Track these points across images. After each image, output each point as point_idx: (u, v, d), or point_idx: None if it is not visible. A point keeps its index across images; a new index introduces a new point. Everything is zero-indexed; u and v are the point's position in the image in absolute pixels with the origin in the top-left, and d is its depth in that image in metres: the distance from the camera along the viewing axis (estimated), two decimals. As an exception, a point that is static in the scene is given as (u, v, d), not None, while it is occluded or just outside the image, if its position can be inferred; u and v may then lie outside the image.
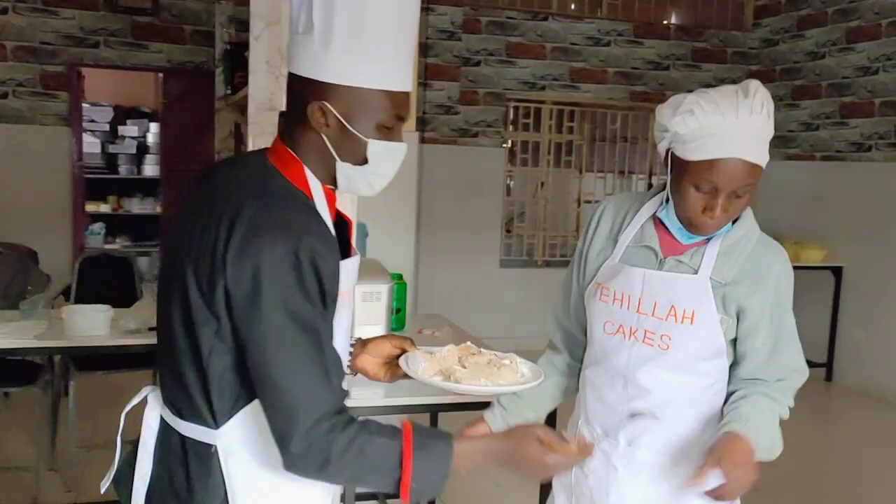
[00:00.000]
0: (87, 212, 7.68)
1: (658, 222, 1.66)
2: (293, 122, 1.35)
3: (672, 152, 1.56)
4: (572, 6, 7.27)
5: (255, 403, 1.31)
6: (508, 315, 6.91)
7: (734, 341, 1.64)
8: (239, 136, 4.77)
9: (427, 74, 6.60)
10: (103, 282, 4.48)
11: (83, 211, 7.08)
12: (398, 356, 1.59)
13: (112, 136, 8.49)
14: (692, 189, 1.52)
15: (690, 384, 1.64)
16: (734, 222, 1.63)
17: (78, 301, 4.18)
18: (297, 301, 1.23)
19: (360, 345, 1.62)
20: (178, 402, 1.38)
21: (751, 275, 1.59)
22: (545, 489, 2.82)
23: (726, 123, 1.47)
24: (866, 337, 6.35)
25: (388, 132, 1.34)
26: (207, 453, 1.35)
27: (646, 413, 1.67)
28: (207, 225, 1.28)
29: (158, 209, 7.86)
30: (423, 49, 6.39)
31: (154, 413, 1.44)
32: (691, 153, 1.51)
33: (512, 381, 1.57)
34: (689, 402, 1.66)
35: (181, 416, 1.37)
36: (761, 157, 1.52)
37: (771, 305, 1.61)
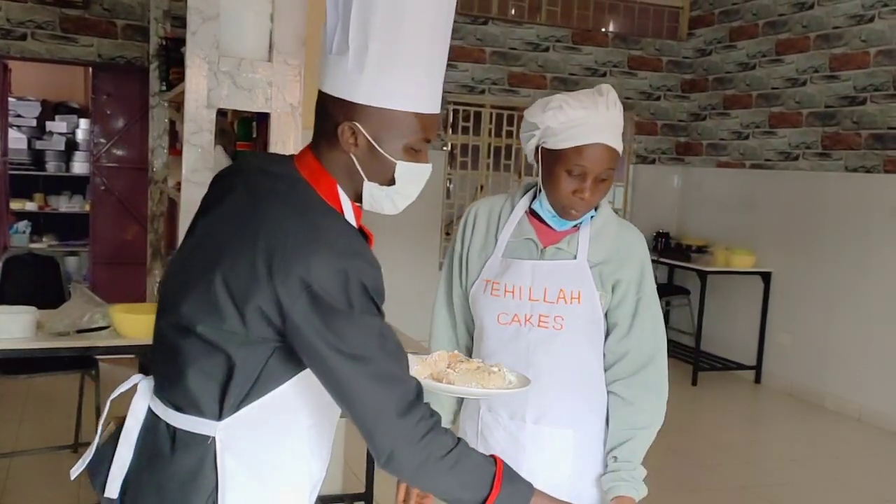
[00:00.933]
0: (12, 210, 7.41)
1: (532, 216, 1.85)
2: (323, 139, 1.37)
3: (542, 147, 1.78)
4: (512, 11, 7.32)
5: (262, 402, 1.33)
6: (446, 318, 6.92)
7: (606, 315, 1.84)
8: (174, 133, 4.66)
9: (367, 75, 6.55)
10: (29, 282, 4.33)
11: (8, 209, 6.84)
12: None
13: (39, 131, 8.20)
14: (564, 174, 1.73)
15: (583, 358, 1.83)
16: (596, 210, 1.84)
17: (2, 302, 4.02)
18: (349, 309, 1.26)
19: None
20: (176, 395, 1.37)
21: (618, 252, 1.82)
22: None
23: (589, 115, 1.71)
24: (793, 340, 6.54)
25: (415, 154, 1.37)
26: (202, 445, 1.34)
27: (548, 391, 1.81)
28: (237, 233, 1.30)
29: (87, 208, 7.61)
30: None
31: (142, 403, 1.43)
32: (562, 142, 1.73)
33: (501, 387, 1.67)
34: (584, 375, 1.84)
35: (179, 410, 1.36)
36: (618, 144, 1.76)
37: (637, 277, 1.82)
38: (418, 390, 1.34)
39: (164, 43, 4.60)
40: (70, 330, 3.21)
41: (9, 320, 3.10)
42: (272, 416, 1.36)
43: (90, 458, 1.49)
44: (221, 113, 2.99)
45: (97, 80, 6.64)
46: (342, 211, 1.37)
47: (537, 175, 1.82)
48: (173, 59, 3.91)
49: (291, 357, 1.32)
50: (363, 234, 1.45)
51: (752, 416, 6.32)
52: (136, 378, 1.48)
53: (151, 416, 1.41)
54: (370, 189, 1.38)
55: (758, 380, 6.73)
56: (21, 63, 6.50)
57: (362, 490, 3.74)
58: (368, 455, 3.73)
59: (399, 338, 1.36)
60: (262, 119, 2.91)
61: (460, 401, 2.00)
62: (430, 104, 1.37)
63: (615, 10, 7.67)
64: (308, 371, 1.33)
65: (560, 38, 7.36)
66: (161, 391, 1.40)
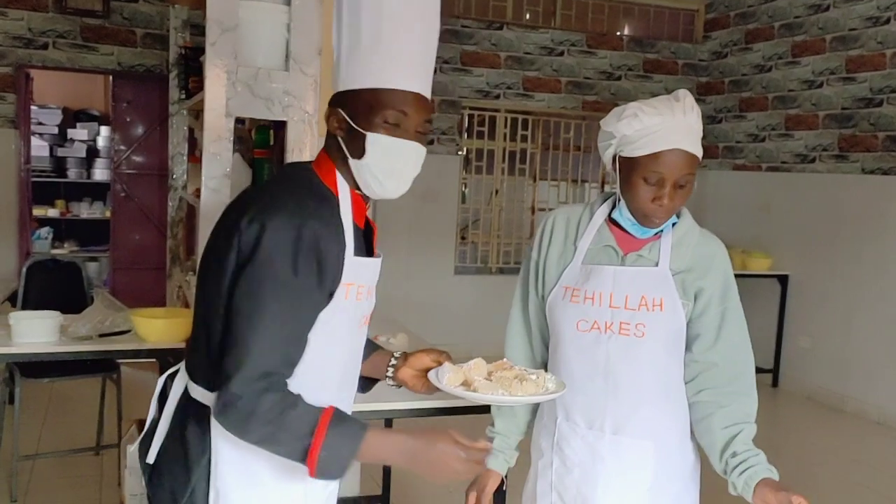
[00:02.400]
0: (35, 216, 7.51)
1: (612, 225, 1.82)
2: (327, 133, 1.53)
3: (619, 156, 1.75)
4: (527, 16, 7.35)
5: None
6: (463, 321, 6.95)
7: (688, 325, 1.79)
8: (193, 140, 4.72)
9: (383, 81, 6.60)
10: (51, 287, 4.40)
11: (30, 215, 6.92)
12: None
13: (61, 139, 8.31)
14: (642, 182, 1.70)
15: (664, 367, 1.79)
16: (678, 218, 1.80)
17: (25, 307, 4.10)
18: (284, 269, 1.37)
19: (403, 358, 1.77)
20: (192, 366, 1.55)
21: (700, 260, 1.78)
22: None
23: (665, 121, 1.69)
24: (811, 343, 6.52)
25: (393, 129, 1.46)
26: (205, 414, 1.48)
27: (628, 400, 1.77)
28: (241, 206, 1.47)
29: (108, 214, 7.70)
30: (379, 56, 6.39)
31: (181, 380, 1.59)
32: (638, 150, 1.70)
33: (532, 393, 1.63)
34: (665, 385, 1.79)
35: (195, 380, 1.53)
36: (697, 149, 1.72)
37: (721, 287, 1.78)
38: (283, 369, 1.40)
39: (183, 52, 4.67)
40: (92, 334, 3.27)
41: (33, 325, 3.17)
42: None
43: (144, 432, 1.65)
44: (239, 121, 3.04)
45: (117, 87, 6.73)
46: (338, 194, 1.50)
47: (612, 183, 1.83)
48: (192, 67, 3.97)
49: None
50: (369, 226, 1.59)
51: (771, 420, 6.29)
52: (183, 362, 1.64)
53: (185, 390, 1.57)
54: (354, 167, 1.49)
55: (775, 383, 6.71)
56: (42, 71, 6.59)
57: (379, 493, 3.78)
58: (385, 458, 3.76)
59: (303, 328, 1.44)
60: (280, 127, 2.96)
61: (533, 412, 1.97)
62: (399, 79, 1.47)
63: (630, 13, 7.68)
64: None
65: (575, 42, 7.38)
66: (186, 362, 1.59)
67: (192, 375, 1.54)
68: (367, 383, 1.80)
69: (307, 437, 1.35)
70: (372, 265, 1.56)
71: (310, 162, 1.58)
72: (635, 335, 1.75)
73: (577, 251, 1.83)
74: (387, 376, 1.77)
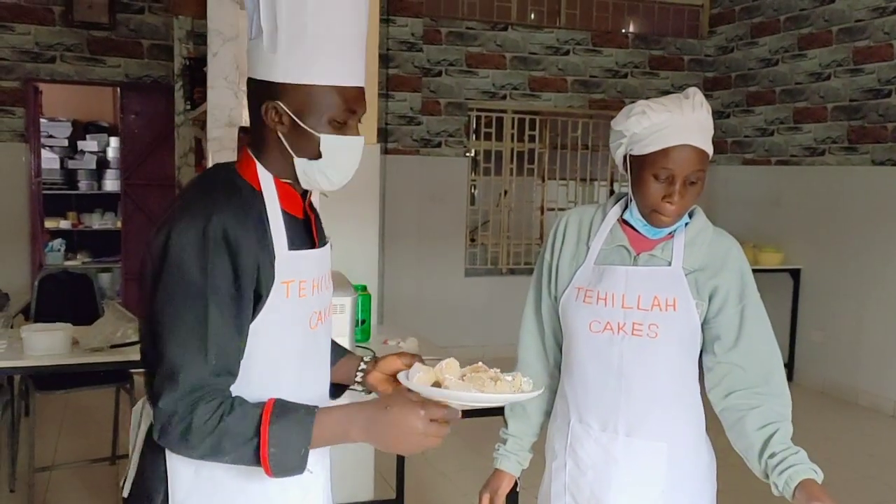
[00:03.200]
0: (47, 228, 7.57)
1: (624, 225, 1.81)
2: (254, 124, 1.42)
3: (630, 154, 1.74)
4: (531, 16, 7.34)
5: None
6: (474, 324, 6.95)
7: (703, 326, 1.77)
8: (199, 150, 4.75)
9: (388, 85, 6.63)
10: (63, 299, 4.43)
11: (42, 227, 6.98)
12: None
13: (71, 151, 8.37)
14: (652, 179, 1.69)
15: (678, 368, 1.77)
16: (690, 217, 1.78)
17: (38, 319, 4.13)
18: (192, 272, 1.29)
19: (373, 362, 1.66)
20: (147, 391, 1.43)
21: (714, 258, 1.76)
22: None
23: (674, 117, 1.67)
24: (825, 337, 6.48)
25: (341, 127, 1.40)
26: (154, 443, 1.37)
27: (641, 401, 1.76)
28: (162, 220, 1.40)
29: (119, 224, 7.76)
30: (384, 60, 6.42)
31: (149, 407, 1.50)
32: (648, 147, 1.69)
33: (506, 392, 1.51)
34: (679, 386, 1.78)
35: (150, 405, 1.42)
36: (707, 145, 1.70)
37: (737, 285, 1.76)
38: (212, 381, 1.31)
39: (187, 62, 4.70)
40: (104, 345, 3.29)
41: (45, 337, 3.20)
42: None
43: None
44: (243, 130, 3.06)
45: (125, 99, 6.78)
46: (259, 187, 1.40)
47: (622, 181, 1.80)
48: (197, 78, 4.00)
49: None
50: (308, 216, 1.50)
51: (785, 415, 6.26)
52: None
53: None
54: (301, 165, 1.41)
55: (790, 378, 6.68)
56: (51, 84, 6.65)
57: (393, 496, 3.79)
58: (399, 462, 3.77)
59: (230, 332, 1.34)
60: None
61: (547, 414, 1.95)
62: (347, 76, 1.39)
63: (635, 10, 7.67)
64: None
65: (580, 41, 7.37)
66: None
67: (148, 402, 1.44)
68: (337, 389, 1.67)
69: (253, 438, 1.27)
70: (315, 256, 1.47)
71: (234, 161, 1.48)
72: (648, 336, 1.73)
73: (590, 252, 1.81)
74: (356, 381, 1.66)
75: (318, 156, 1.39)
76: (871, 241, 6.06)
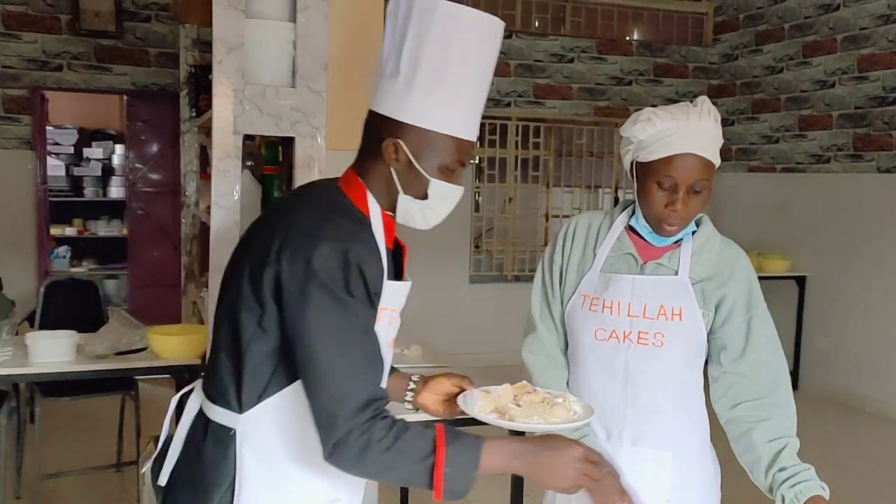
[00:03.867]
0: (52, 235, 7.58)
1: (631, 232, 1.80)
2: (367, 153, 1.50)
3: (636, 161, 1.73)
4: (536, 23, 7.36)
5: (281, 394, 1.44)
6: (479, 331, 6.94)
7: (709, 336, 1.77)
8: (204, 158, 4.75)
9: (393, 93, 6.63)
10: (69, 306, 4.43)
11: (48, 234, 7.00)
12: (457, 394, 1.69)
13: (77, 158, 8.39)
14: (655, 187, 1.69)
15: (683, 377, 1.77)
16: (697, 226, 1.78)
17: (43, 326, 4.14)
18: (343, 294, 1.35)
19: (422, 382, 1.75)
20: (212, 387, 1.51)
21: (721, 268, 1.75)
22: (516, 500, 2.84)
23: (679, 125, 1.67)
24: (831, 345, 6.46)
25: (449, 174, 1.49)
26: (227, 437, 1.46)
27: (647, 410, 1.76)
28: (269, 228, 1.45)
29: (125, 231, 7.77)
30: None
31: (196, 400, 1.56)
32: (652, 154, 1.68)
33: (565, 419, 1.60)
34: (684, 395, 1.78)
35: (213, 401, 1.49)
36: (713, 154, 1.70)
37: (745, 295, 1.75)
38: (382, 393, 1.40)
39: (193, 70, 4.71)
40: (109, 352, 3.30)
41: (51, 344, 3.20)
42: (289, 414, 1.45)
43: (156, 452, 1.62)
44: (248, 138, 3.06)
45: (132, 107, 6.80)
46: (369, 214, 1.47)
47: (628, 188, 1.77)
48: (202, 85, 4.01)
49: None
50: (399, 246, 1.58)
51: (791, 423, 6.24)
52: (198, 381, 1.62)
53: (200, 411, 1.54)
54: (405, 202, 1.49)
55: (795, 385, 6.60)
56: (58, 92, 6.68)
57: (398, 502, 3.78)
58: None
59: (378, 344, 1.42)
60: (288, 143, 2.98)
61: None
62: (468, 131, 1.48)
63: (639, 18, 7.68)
64: None
65: (585, 49, 7.38)
66: (204, 382, 1.56)
67: (213, 398, 1.50)
68: None
69: (428, 457, 1.33)
70: (402, 289, 1.56)
71: (334, 180, 1.54)
72: (654, 344, 1.73)
73: (597, 259, 1.81)
74: (405, 400, 1.75)
75: (424, 197, 1.48)
76: (876, 248, 6.05)
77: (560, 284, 1.88)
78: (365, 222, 1.45)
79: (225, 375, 1.47)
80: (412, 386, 1.74)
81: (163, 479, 1.55)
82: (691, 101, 1.73)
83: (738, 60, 7.49)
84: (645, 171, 1.71)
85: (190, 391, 1.62)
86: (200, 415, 1.53)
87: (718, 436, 1.82)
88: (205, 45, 5.21)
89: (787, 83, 6.93)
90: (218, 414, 1.48)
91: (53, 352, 3.19)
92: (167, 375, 3.51)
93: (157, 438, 1.62)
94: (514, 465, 1.40)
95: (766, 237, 7.00)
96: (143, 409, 4.25)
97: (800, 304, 6.63)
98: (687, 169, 1.66)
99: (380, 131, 1.46)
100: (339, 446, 1.33)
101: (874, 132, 6.12)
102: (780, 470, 1.67)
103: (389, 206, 1.51)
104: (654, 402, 1.75)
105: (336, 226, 1.39)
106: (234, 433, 1.46)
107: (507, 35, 7.13)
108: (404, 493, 3.76)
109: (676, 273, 1.74)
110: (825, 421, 6.03)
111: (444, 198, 1.50)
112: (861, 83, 6.21)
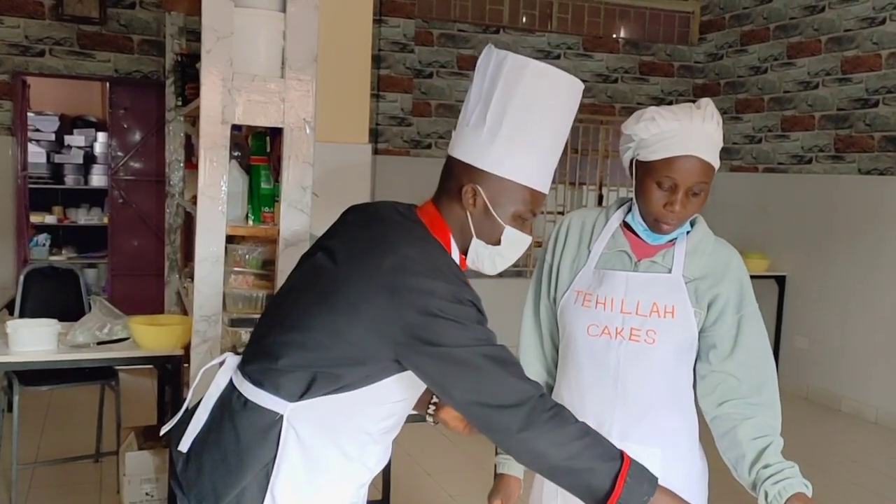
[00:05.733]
0: (32, 223, 7.51)
1: (626, 230, 1.82)
2: (445, 196, 1.58)
3: (636, 159, 1.74)
4: (523, 19, 7.36)
5: (335, 398, 1.48)
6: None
7: (700, 334, 1.78)
8: (190, 147, 4.73)
9: (380, 86, 6.62)
10: (49, 295, 4.39)
11: (27, 222, 6.93)
12: None
13: (58, 145, 8.30)
14: (655, 187, 1.70)
15: (674, 375, 1.78)
16: (692, 226, 1.80)
17: (23, 315, 4.10)
18: (475, 324, 1.45)
19: None
20: (261, 373, 1.52)
21: (714, 268, 1.77)
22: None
23: (682, 127, 1.68)
24: (808, 344, 6.53)
25: (521, 223, 1.58)
26: (271, 420, 1.49)
27: (637, 406, 1.77)
28: (372, 254, 1.46)
29: (105, 220, 7.71)
30: (376, 60, 6.41)
31: (226, 375, 1.60)
32: (653, 154, 1.69)
33: None
34: (674, 392, 1.79)
35: (259, 385, 1.51)
36: (713, 157, 1.71)
37: (736, 295, 1.76)
38: (541, 389, 1.47)
39: (179, 59, 4.67)
40: (90, 342, 3.27)
41: (30, 333, 3.17)
42: (339, 413, 1.51)
43: (178, 418, 1.66)
44: (236, 128, 3.05)
45: (114, 94, 6.74)
46: (449, 250, 1.56)
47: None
48: (189, 74, 3.97)
49: (382, 370, 1.47)
50: None
51: (769, 421, 6.30)
52: (226, 355, 1.66)
53: (230, 386, 1.58)
54: (477, 246, 1.58)
55: (774, 384, 6.71)
56: (39, 78, 6.60)
57: (379, 497, 3.78)
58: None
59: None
60: (276, 133, 2.96)
61: None
62: (543, 183, 1.58)
63: (626, 16, 7.70)
64: (383, 382, 1.48)
65: (571, 46, 7.39)
66: (246, 365, 1.57)
67: (258, 382, 1.52)
68: None
69: (618, 460, 1.44)
70: None
71: (412, 209, 1.60)
72: (646, 341, 1.74)
73: (591, 255, 1.83)
74: (427, 413, 1.81)
75: (497, 243, 1.57)
76: (855, 249, 6.11)
77: (550, 283, 1.89)
78: (461, 270, 1.53)
79: (287, 374, 1.49)
80: (435, 399, 1.78)
81: (184, 446, 1.58)
82: (695, 103, 1.73)
83: (723, 60, 7.54)
84: (645, 171, 1.72)
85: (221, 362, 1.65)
86: (233, 391, 1.56)
87: (706, 434, 1.83)
88: (191, 34, 5.18)
89: (771, 83, 6.98)
90: (261, 397, 1.51)
91: (34, 340, 3.16)
92: (148, 366, 3.48)
93: (140, 429, 1.61)
94: None
95: (747, 236, 7.05)
96: (124, 400, 4.22)
97: (779, 303, 6.69)
98: (687, 171, 1.67)
99: (460, 177, 1.54)
100: (534, 413, 1.41)
101: (856, 134, 6.17)
102: (765, 467, 1.68)
103: (462, 246, 1.59)
104: (645, 399, 1.77)
105: (445, 268, 1.47)
106: (281, 418, 1.49)
107: (495, 30, 7.13)
108: (386, 486, 3.76)
109: (670, 271, 1.75)
110: (802, 420, 6.09)
111: (515, 245, 1.58)
112: (844, 85, 6.27)
